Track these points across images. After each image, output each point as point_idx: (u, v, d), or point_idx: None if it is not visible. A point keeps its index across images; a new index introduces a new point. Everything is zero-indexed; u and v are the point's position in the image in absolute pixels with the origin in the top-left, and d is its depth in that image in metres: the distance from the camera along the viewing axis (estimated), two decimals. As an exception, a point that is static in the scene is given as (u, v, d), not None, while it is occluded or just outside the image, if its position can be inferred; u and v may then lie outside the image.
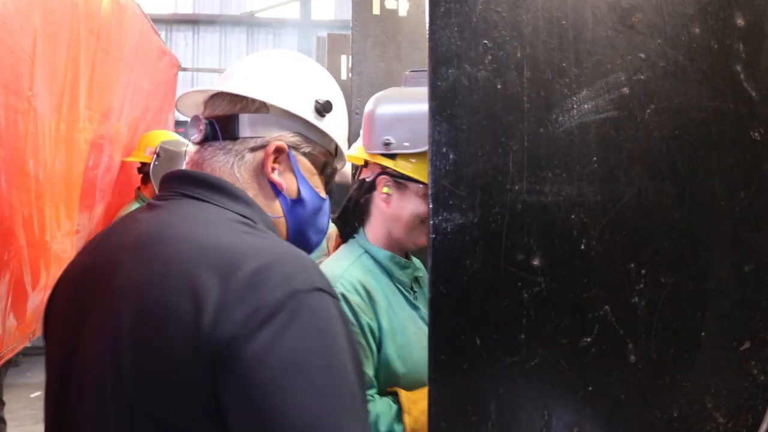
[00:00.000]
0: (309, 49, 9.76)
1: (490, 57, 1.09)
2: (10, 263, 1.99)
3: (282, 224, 1.18)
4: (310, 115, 1.19)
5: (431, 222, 1.07)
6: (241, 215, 1.06)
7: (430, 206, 1.07)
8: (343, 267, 1.70)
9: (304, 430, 0.83)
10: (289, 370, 0.84)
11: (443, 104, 1.08)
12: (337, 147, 1.31)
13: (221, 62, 10.34)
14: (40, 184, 2.28)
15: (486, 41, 1.09)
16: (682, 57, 1.13)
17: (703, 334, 1.14)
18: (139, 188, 3.39)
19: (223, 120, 1.12)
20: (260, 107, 1.15)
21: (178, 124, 6.09)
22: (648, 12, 1.12)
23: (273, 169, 1.15)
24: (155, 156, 3.30)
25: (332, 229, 1.59)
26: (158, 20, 9.41)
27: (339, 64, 3.24)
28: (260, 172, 1.14)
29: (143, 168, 3.33)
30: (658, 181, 1.12)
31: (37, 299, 2.38)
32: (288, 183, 1.18)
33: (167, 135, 3.55)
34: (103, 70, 3.00)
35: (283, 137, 1.16)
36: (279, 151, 1.16)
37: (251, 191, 1.12)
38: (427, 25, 1.06)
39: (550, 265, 1.10)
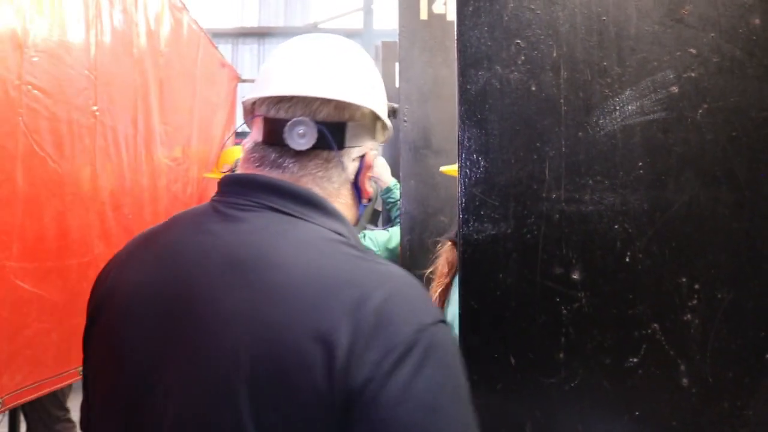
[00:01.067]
0: (372, 57, 9.77)
1: (523, 57, 1.02)
2: (87, 272, 2.04)
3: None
4: (389, 122, 1.14)
5: (461, 233, 1.01)
6: (337, 233, 0.95)
7: (460, 216, 1.01)
8: None
9: None
10: (429, 411, 0.78)
11: (473, 108, 1.02)
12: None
13: (286, 74, 10.48)
14: (116, 196, 2.33)
15: (519, 41, 1.02)
16: (739, 51, 1.04)
17: (767, 356, 1.04)
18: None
19: (332, 127, 1.00)
20: (361, 115, 1.05)
21: (238, 135, 6.19)
22: (699, 4, 1.03)
23: (369, 178, 1.07)
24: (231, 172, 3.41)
25: (446, 252, 1.53)
26: (224, 34, 9.64)
27: (393, 72, 3.20)
28: (349, 180, 1.05)
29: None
30: (713, 187, 1.03)
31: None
32: (370, 189, 1.09)
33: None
34: (171, 85, 3.06)
35: (373, 146, 1.09)
36: (370, 160, 1.07)
37: (337, 201, 1.02)
38: (455, 25, 1.01)
39: (591, 279, 1.02)
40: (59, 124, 1.89)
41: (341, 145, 1.01)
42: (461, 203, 1.01)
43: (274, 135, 1.00)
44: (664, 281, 1.03)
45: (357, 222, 1.08)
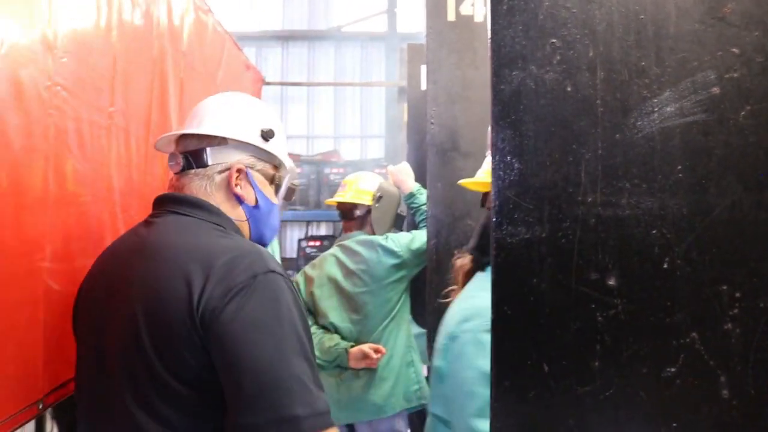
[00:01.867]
0: (396, 60, 9.79)
1: (558, 57, 1.00)
2: None
3: (245, 226, 1.56)
4: (258, 141, 1.55)
5: (494, 237, 0.98)
6: (214, 224, 1.44)
7: (493, 220, 0.99)
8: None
9: (262, 367, 1.19)
10: (250, 327, 1.22)
11: (507, 109, 1.00)
12: (281, 162, 1.66)
13: (310, 76, 10.53)
14: (125, 197, 2.33)
15: (554, 40, 1.00)
16: (783, 52, 1.00)
17: (810, 366, 1.00)
18: None
19: (194, 154, 1.50)
20: (221, 140, 1.51)
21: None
22: (742, 1, 1.00)
23: (237, 185, 1.52)
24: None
25: (460, 262, 1.52)
26: (248, 37, 9.69)
27: (418, 74, 3.18)
28: (227, 188, 1.51)
29: None
30: (755, 191, 0.99)
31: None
32: (247, 194, 1.55)
33: None
34: (193, 87, 3.05)
35: (241, 161, 1.53)
36: (239, 171, 1.52)
37: (221, 204, 1.49)
38: (489, 24, 0.99)
39: (627, 286, 0.99)
40: (82, 125, 1.89)
41: (204, 164, 1.49)
42: (494, 206, 0.99)
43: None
44: (704, 289, 0.99)
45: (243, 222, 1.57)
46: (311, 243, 6.83)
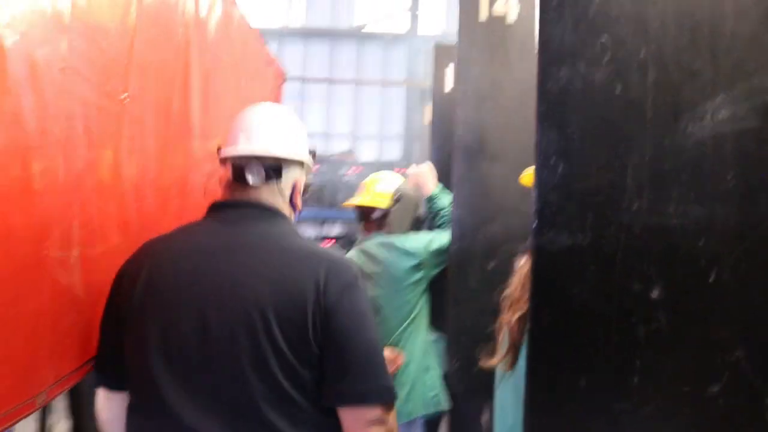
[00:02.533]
0: (417, 61, 9.76)
1: (608, 56, 0.95)
2: (100, 264, 1.99)
3: None
4: (310, 161, 1.78)
5: (534, 242, 0.94)
6: (292, 228, 1.68)
7: (534, 224, 0.94)
8: None
9: (370, 348, 1.49)
10: (360, 315, 1.50)
11: (553, 109, 0.95)
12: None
13: (331, 74, 10.51)
14: (138, 189, 2.28)
15: (604, 38, 0.95)
16: None
17: None
18: None
19: (275, 169, 1.69)
20: (292, 160, 1.72)
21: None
22: (804, 4, 0.95)
23: (298, 196, 1.75)
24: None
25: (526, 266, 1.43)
26: (270, 33, 9.68)
27: (444, 75, 3.13)
28: (289, 198, 1.72)
29: None
30: (810, 204, 0.94)
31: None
32: (300, 204, 1.77)
33: None
34: (217, 80, 3.00)
35: (301, 178, 1.76)
36: (299, 182, 1.75)
37: (285, 211, 1.70)
38: (537, 19, 0.94)
39: (671, 298, 0.94)
40: (90, 110, 1.84)
41: (279, 178, 1.69)
42: (536, 210, 0.94)
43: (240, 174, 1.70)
44: (752, 304, 0.94)
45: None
46: (326, 242, 6.83)
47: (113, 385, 1.65)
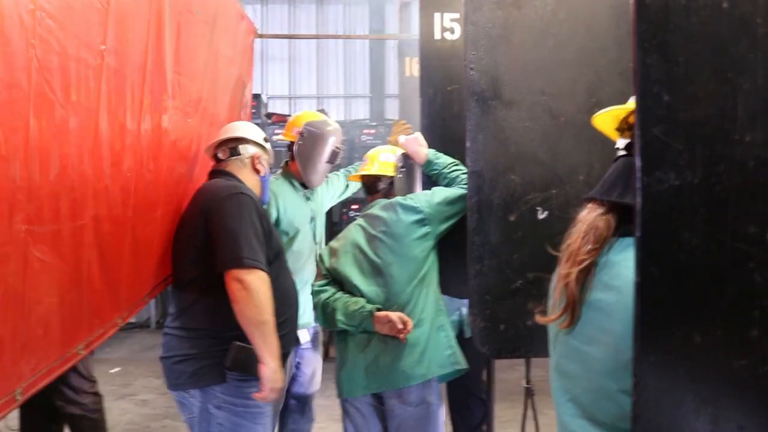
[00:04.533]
0: (381, 20, 9.52)
1: (716, -35, 0.82)
2: (82, 237, 1.80)
3: (259, 188, 2.74)
4: (263, 142, 2.79)
5: (639, 184, 0.82)
6: (237, 182, 2.60)
7: (639, 163, 0.82)
8: None
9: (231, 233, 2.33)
10: (228, 215, 2.35)
11: (653, 30, 0.82)
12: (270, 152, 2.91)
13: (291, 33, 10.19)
14: (115, 152, 2.07)
15: (710, -58, 0.82)
16: None
17: None
18: (287, 163, 3.52)
19: (233, 147, 2.73)
20: (249, 141, 2.74)
21: (255, 97, 5.94)
22: None
23: (256, 164, 2.74)
24: (299, 136, 3.41)
25: (592, 218, 1.29)
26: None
27: (432, 22, 2.97)
28: (251, 166, 2.72)
29: (291, 147, 3.48)
30: None
31: (121, 277, 2.24)
32: (261, 169, 2.75)
33: (314, 116, 3.61)
34: (188, 31, 2.77)
35: (257, 152, 2.75)
36: (257, 157, 2.74)
37: (245, 176, 2.68)
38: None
39: (790, 240, 0.84)
40: (68, 62, 1.61)
41: (238, 154, 2.73)
42: (640, 146, 0.82)
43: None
44: None
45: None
46: (352, 206, 6.63)
47: None
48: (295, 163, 3.41)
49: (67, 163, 1.62)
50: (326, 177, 3.55)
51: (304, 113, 3.70)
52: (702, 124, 0.83)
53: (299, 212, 3.37)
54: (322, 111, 8.39)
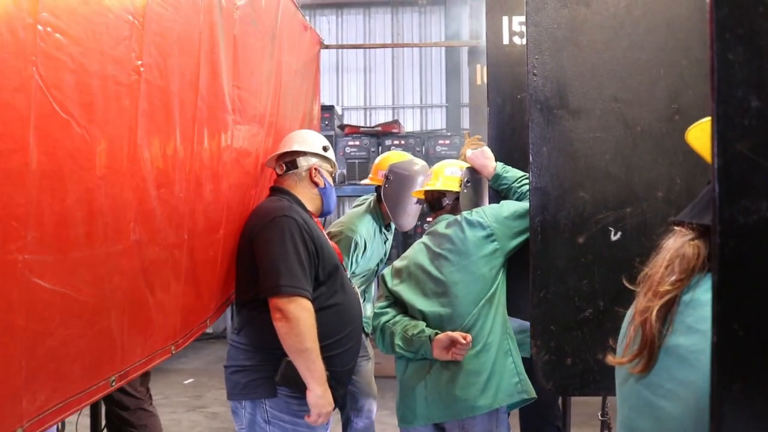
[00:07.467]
0: (458, 25, 9.37)
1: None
2: (120, 263, 1.73)
3: (319, 201, 2.75)
4: (322, 152, 2.76)
5: (718, 216, 0.63)
6: (287, 202, 2.60)
7: (716, 189, 0.63)
8: None
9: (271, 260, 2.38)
10: (269, 242, 2.39)
11: (737, 16, 0.64)
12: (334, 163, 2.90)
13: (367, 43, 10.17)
14: (163, 172, 1.99)
15: None
16: None
17: None
18: (377, 203, 3.57)
19: (289, 161, 2.75)
20: (306, 153, 2.73)
21: (324, 109, 5.91)
22: None
23: (314, 176, 2.73)
24: (385, 179, 3.46)
25: (680, 246, 1.13)
26: (302, 5, 9.36)
27: (500, 27, 2.80)
28: (309, 179, 2.72)
29: (378, 189, 3.55)
30: None
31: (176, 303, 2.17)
32: (320, 181, 2.72)
33: (399, 156, 3.65)
34: (246, 44, 2.70)
35: (315, 164, 2.73)
36: (315, 169, 2.72)
37: (302, 190, 2.71)
38: None
39: None
40: (89, 79, 1.52)
41: (296, 167, 2.74)
42: (717, 168, 0.63)
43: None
44: None
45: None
46: (427, 219, 6.66)
47: None
48: (383, 204, 3.44)
49: (92, 186, 1.54)
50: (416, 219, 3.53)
51: (390, 154, 3.73)
52: (802, 138, 0.63)
53: (376, 255, 3.51)
54: (396, 122, 8.31)
